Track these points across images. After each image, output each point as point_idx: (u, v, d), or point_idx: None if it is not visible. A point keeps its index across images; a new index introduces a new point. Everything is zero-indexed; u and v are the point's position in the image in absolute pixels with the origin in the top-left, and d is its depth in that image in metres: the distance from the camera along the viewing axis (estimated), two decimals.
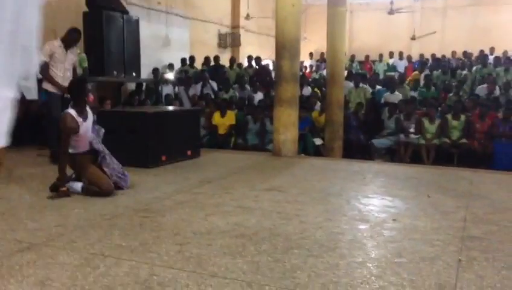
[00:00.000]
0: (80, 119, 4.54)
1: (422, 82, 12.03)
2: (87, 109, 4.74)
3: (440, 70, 13.15)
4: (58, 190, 4.46)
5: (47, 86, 6.46)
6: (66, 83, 6.11)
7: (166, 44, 13.06)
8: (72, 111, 4.53)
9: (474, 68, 12.99)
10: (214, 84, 11.47)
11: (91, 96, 4.69)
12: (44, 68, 6.32)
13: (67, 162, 4.55)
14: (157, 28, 12.59)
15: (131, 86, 11.30)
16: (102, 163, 4.69)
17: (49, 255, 2.98)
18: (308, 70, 16.36)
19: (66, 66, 6.48)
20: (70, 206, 4.15)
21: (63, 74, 6.42)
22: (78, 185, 4.57)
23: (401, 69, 15.57)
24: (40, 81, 8.16)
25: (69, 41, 6.45)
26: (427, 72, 13.32)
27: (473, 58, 15.10)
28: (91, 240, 3.26)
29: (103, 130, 4.90)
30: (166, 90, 11.19)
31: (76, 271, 2.73)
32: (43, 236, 3.35)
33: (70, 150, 4.56)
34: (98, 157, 4.70)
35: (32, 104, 8.01)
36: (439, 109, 9.53)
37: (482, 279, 2.72)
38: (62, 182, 4.48)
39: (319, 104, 10.16)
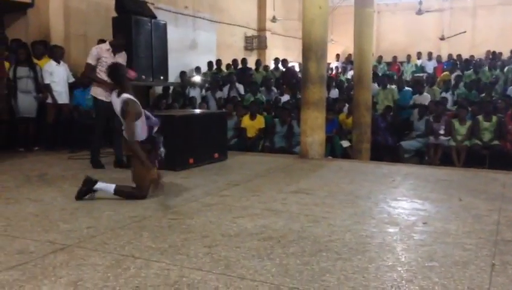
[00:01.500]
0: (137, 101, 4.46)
1: (452, 82, 11.78)
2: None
3: (472, 70, 12.90)
4: (152, 180, 4.40)
5: (96, 91, 6.29)
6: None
7: (193, 47, 13.20)
8: (129, 95, 4.44)
9: (506, 68, 12.71)
10: (241, 88, 11.51)
11: (132, 73, 4.61)
12: (92, 71, 6.23)
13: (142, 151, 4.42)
14: (185, 32, 12.73)
15: (159, 89, 11.44)
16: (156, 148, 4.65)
17: (81, 256, 3.03)
18: (334, 72, 16.27)
19: None
20: (101, 208, 4.22)
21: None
22: (111, 187, 4.56)
23: (430, 70, 15.33)
24: (71, 86, 8.39)
25: (117, 46, 6.33)
26: (458, 72, 13.08)
27: (504, 58, 14.77)
28: (121, 242, 3.31)
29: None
30: (193, 93, 11.31)
31: (108, 272, 2.78)
32: (75, 237, 3.41)
33: (141, 138, 4.49)
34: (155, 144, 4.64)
35: (63, 108, 8.21)
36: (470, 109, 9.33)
37: None
38: (150, 165, 4.40)
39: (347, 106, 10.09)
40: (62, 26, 9.36)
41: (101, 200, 4.50)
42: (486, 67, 13.13)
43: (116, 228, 3.64)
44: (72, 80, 8.44)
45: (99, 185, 4.56)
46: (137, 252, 3.11)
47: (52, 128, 8.14)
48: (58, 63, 8.15)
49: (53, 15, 9.23)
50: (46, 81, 7.94)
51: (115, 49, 6.29)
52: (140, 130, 4.48)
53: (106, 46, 6.29)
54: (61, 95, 8.15)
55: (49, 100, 8.00)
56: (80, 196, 4.51)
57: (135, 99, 4.45)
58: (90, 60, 6.20)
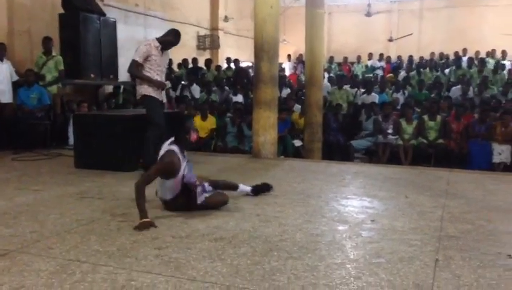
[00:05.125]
0: (181, 158, 4.00)
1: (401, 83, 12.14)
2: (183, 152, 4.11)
3: (415, 71, 13.38)
4: (139, 226, 3.63)
5: (147, 90, 5.72)
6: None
7: None
8: (176, 148, 3.97)
9: (447, 70, 13.23)
10: (197, 89, 11.44)
11: (194, 136, 4.13)
12: (138, 68, 5.68)
13: (144, 197, 3.78)
14: (135, 30, 12.49)
15: (109, 88, 11.19)
16: (198, 197, 4.08)
17: (24, 262, 2.92)
18: (297, 72, 16.44)
19: (162, 70, 5.89)
20: (46, 212, 4.07)
21: (160, 78, 5.82)
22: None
23: (379, 70, 15.73)
24: (15, 85, 8.06)
25: (167, 43, 5.81)
26: (403, 73, 13.51)
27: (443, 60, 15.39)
28: (67, 246, 3.20)
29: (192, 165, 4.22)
30: None
31: (52, 278, 2.68)
32: (18, 243, 3.28)
33: (169, 197, 4.03)
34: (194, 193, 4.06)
35: (6, 108, 7.88)
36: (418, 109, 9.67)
37: (459, 278, 2.75)
38: (144, 215, 3.69)
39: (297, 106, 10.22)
40: (5, 22, 8.97)
41: (46, 204, 4.34)
42: (428, 68, 13.63)
43: (62, 232, 3.52)
44: (16, 78, 8.13)
45: None
46: (83, 256, 3.02)
47: None
48: (1, 60, 7.82)
49: None
50: None
51: (164, 46, 5.79)
52: (172, 187, 4.00)
53: (156, 43, 5.73)
54: (4, 93, 7.84)
55: None
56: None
57: (179, 158, 3.97)
58: (138, 58, 5.63)
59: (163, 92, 6.14)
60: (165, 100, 6.13)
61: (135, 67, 5.70)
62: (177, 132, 4.11)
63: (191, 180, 3.95)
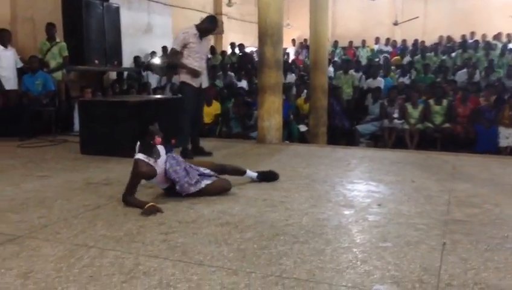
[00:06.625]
0: (152, 160, 3.89)
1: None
2: (157, 148, 3.97)
3: (420, 55, 13.28)
4: (144, 211, 3.64)
5: (185, 77, 5.93)
6: (203, 73, 6.08)
7: (148, 32, 12.90)
8: (140, 156, 3.87)
9: (453, 53, 13.12)
10: None
11: (158, 139, 3.90)
12: (175, 56, 5.92)
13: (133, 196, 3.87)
14: (139, 16, 12.42)
15: (114, 75, 11.18)
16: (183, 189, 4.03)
17: (32, 247, 2.94)
18: (294, 57, 16.34)
19: (202, 56, 6.04)
20: (53, 197, 4.09)
21: (199, 64, 5.96)
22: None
23: (385, 54, 15.63)
24: (20, 72, 8.05)
25: (205, 29, 5.96)
26: (408, 57, 13.43)
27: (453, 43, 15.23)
28: (75, 231, 3.22)
29: (181, 159, 4.15)
30: (152, 78, 11.15)
31: (61, 262, 2.70)
32: (26, 228, 3.30)
33: (165, 187, 4.09)
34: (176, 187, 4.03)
35: (11, 94, 7.88)
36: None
37: (466, 261, 2.75)
38: (144, 203, 3.73)
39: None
40: (8, 9, 8.96)
41: (53, 190, 4.36)
42: (432, 52, 13.52)
43: (69, 217, 3.54)
44: (20, 65, 8.12)
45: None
46: (91, 241, 3.04)
47: (0, 115, 7.81)
48: (6, 47, 7.81)
49: None
50: None
51: (203, 33, 5.93)
52: (160, 182, 4.05)
53: (194, 30, 5.87)
54: (9, 80, 7.83)
55: None
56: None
57: (147, 163, 3.86)
58: (175, 45, 5.87)
59: (204, 77, 6.26)
60: (205, 85, 6.28)
61: (173, 55, 5.96)
62: (141, 137, 3.97)
63: (172, 176, 3.95)
